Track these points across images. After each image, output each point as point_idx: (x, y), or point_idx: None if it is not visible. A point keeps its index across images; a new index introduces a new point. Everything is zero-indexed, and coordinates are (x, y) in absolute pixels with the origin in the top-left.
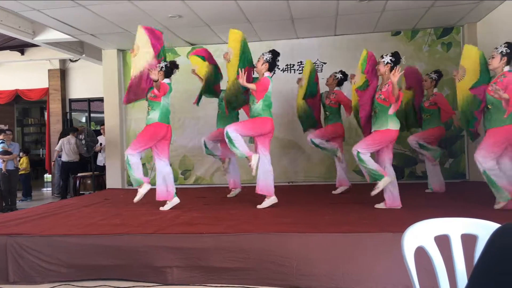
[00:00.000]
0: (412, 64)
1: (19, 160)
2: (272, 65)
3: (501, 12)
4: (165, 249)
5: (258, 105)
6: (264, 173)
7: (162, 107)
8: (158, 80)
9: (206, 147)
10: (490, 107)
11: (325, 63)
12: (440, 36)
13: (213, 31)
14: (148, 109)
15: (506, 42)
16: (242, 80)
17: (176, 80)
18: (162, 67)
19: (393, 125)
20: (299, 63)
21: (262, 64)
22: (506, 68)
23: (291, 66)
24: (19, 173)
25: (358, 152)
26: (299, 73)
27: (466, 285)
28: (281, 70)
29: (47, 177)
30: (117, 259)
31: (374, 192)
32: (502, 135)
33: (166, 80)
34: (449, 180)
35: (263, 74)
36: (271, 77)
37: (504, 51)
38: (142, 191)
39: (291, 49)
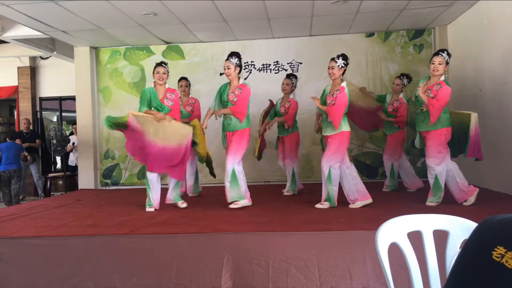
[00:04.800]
0: (385, 65)
1: None
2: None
3: (471, 15)
4: (140, 250)
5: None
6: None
7: None
8: None
9: None
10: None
11: (301, 63)
12: (412, 38)
13: (188, 30)
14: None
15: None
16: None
17: (150, 81)
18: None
19: (346, 127)
20: (275, 63)
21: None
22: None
23: (267, 65)
24: None
25: (331, 167)
26: (275, 73)
27: (446, 281)
28: (257, 70)
29: None
30: (88, 262)
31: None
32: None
33: None
34: (421, 179)
35: (238, 78)
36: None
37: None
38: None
39: (267, 48)
